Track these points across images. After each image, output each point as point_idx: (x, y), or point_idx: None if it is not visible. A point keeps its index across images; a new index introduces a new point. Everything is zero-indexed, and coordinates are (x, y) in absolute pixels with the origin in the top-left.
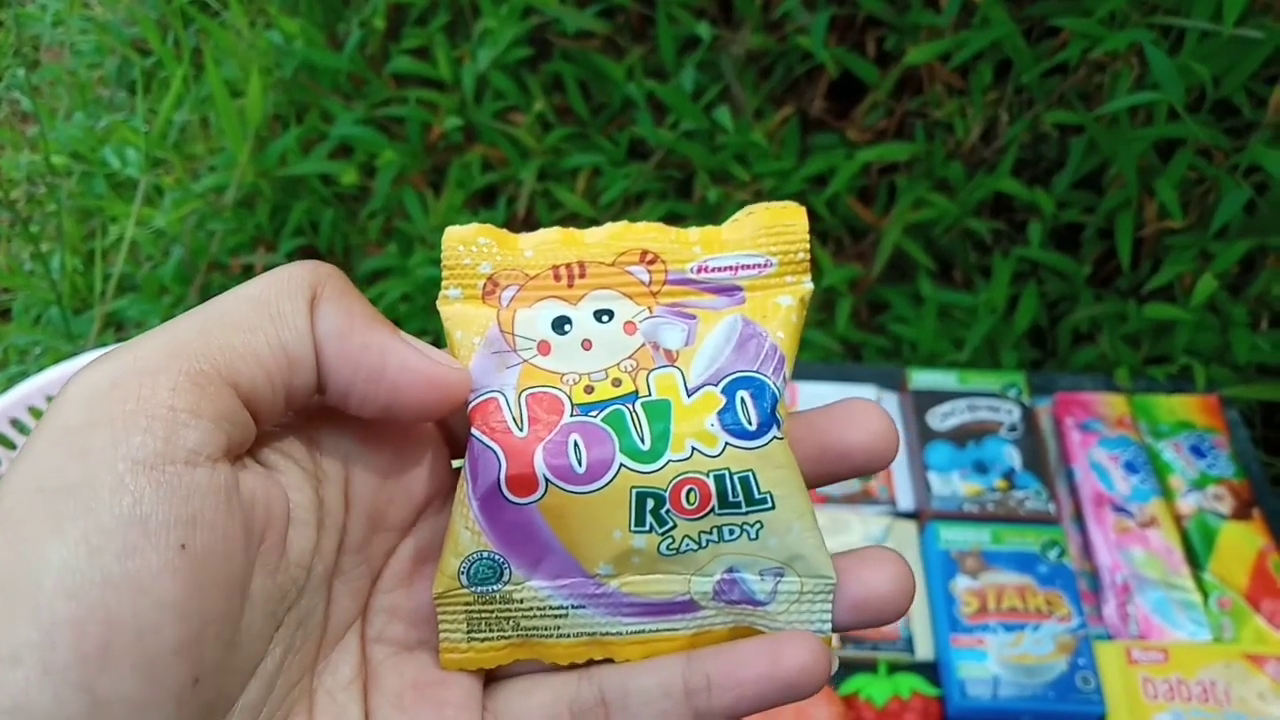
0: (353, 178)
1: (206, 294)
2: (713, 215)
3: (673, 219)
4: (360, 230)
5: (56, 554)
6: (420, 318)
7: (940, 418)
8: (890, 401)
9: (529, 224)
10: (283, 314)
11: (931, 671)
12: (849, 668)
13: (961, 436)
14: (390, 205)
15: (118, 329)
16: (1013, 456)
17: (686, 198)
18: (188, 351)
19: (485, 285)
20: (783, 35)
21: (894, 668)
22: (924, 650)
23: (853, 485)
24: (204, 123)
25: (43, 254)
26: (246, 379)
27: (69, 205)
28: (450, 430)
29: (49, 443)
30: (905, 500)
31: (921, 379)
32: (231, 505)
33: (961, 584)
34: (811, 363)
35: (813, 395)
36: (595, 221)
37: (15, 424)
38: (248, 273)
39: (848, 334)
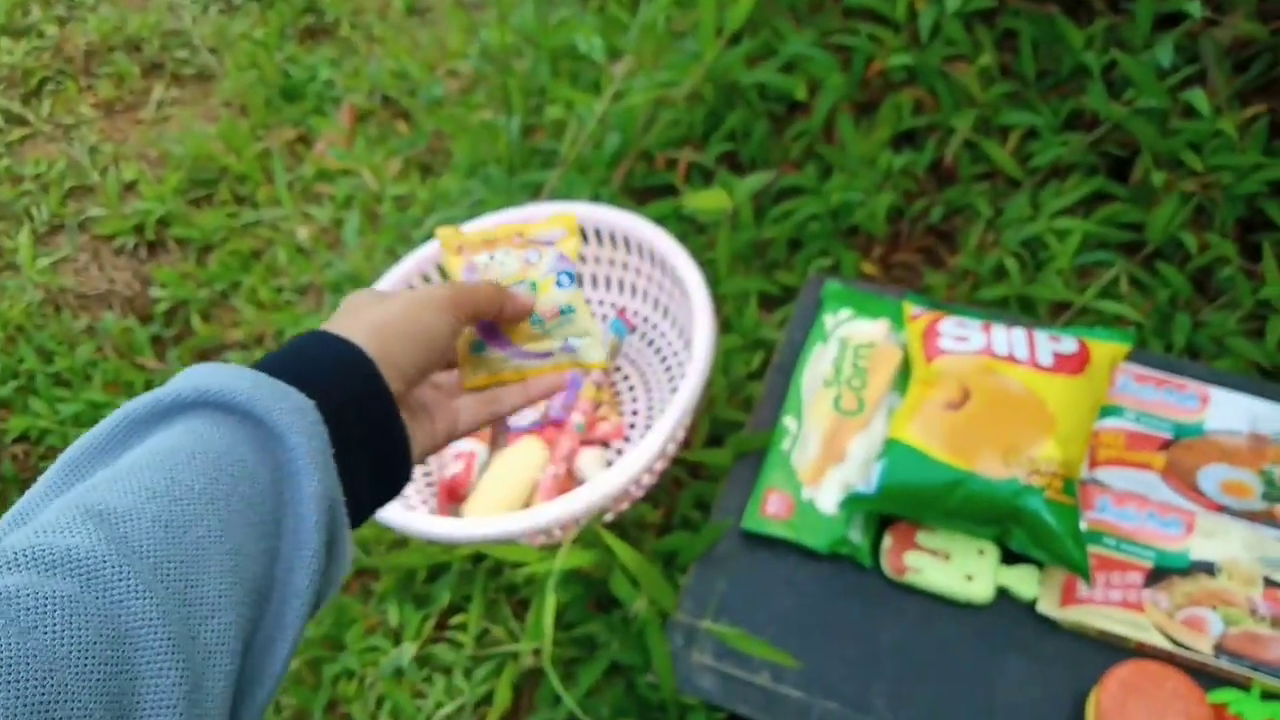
0: (801, 93)
1: (629, 181)
2: (1148, 199)
3: (1100, 198)
4: (783, 148)
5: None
6: (822, 239)
7: None
8: None
9: (949, 173)
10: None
11: None
12: (1220, 680)
13: None
14: (819, 128)
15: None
16: None
17: (1120, 179)
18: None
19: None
20: (1278, 26)
21: (1268, 694)
22: None
23: (1255, 503)
24: (668, 20)
25: (491, 119)
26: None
27: (518, 82)
28: None
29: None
30: None
31: None
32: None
33: None
34: (1231, 373)
35: (1231, 404)
36: (1015, 183)
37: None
38: (671, 167)
39: (1275, 356)
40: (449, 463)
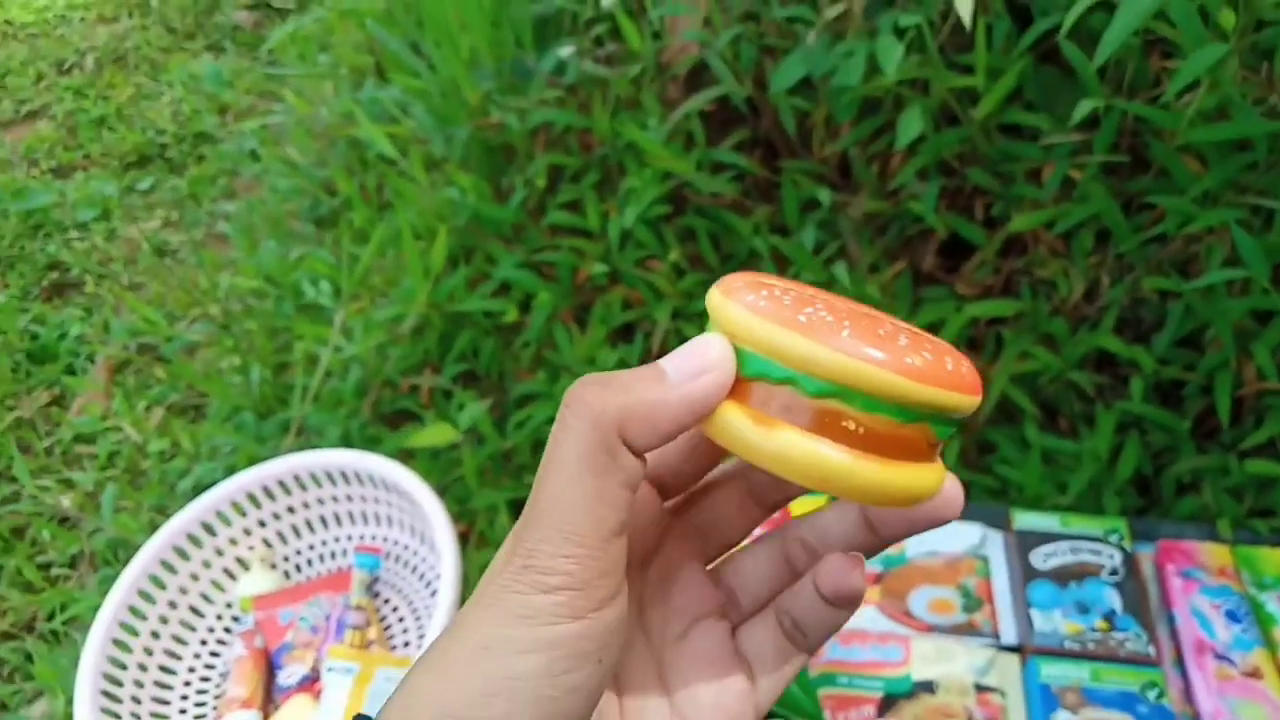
0: (513, 315)
1: (378, 409)
2: None
3: None
4: (514, 358)
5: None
6: None
7: (1043, 558)
8: (995, 540)
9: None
10: (608, 468)
11: None
12: None
13: (1063, 577)
14: (542, 338)
15: (299, 434)
16: (1113, 599)
17: None
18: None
19: None
20: (897, 200)
21: None
22: None
23: (958, 617)
24: (382, 256)
25: (242, 365)
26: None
27: (263, 324)
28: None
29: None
30: (1008, 634)
31: (1025, 520)
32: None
33: (1061, 718)
34: None
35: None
36: None
37: (220, 516)
38: (414, 392)
39: (955, 472)
40: None
